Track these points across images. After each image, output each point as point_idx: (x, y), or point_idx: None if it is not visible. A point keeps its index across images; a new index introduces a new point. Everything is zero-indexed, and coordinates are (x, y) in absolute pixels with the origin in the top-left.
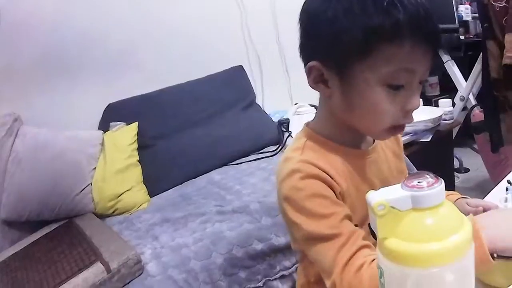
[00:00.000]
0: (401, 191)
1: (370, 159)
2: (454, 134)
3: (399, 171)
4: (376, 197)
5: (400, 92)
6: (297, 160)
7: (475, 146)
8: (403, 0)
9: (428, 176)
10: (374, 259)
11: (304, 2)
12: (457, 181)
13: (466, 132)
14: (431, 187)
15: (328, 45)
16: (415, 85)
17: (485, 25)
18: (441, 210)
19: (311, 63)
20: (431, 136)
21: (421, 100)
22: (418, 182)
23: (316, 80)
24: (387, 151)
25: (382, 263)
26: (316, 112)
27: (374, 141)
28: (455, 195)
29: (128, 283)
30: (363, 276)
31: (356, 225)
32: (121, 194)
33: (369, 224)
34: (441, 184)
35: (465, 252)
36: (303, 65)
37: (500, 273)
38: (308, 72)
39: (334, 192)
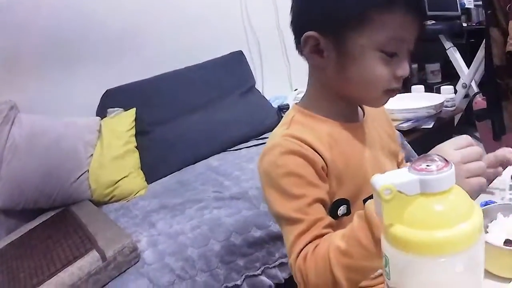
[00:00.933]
0: (409, 175)
1: (360, 133)
2: (456, 121)
3: (392, 152)
4: (382, 180)
5: (393, 59)
6: (281, 134)
7: (477, 134)
8: None
9: (437, 159)
10: (317, 246)
11: None
12: None
13: (468, 120)
14: (441, 170)
15: (325, 16)
16: (405, 52)
17: (488, 12)
18: (451, 196)
19: (308, 33)
20: (432, 123)
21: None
22: (427, 166)
23: (312, 50)
24: (379, 129)
25: (387, 251)
26: (305, 91)
27: (364, 116)
28: None
29: (124, 271)
30: (308, 264)
31: (344, 199)
32: (118, 181)
33: (363, 201)
34: (451, 168)
35: (475, 241)
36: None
37: (508, 263)
38: (304, 42)
39: (315, 168)
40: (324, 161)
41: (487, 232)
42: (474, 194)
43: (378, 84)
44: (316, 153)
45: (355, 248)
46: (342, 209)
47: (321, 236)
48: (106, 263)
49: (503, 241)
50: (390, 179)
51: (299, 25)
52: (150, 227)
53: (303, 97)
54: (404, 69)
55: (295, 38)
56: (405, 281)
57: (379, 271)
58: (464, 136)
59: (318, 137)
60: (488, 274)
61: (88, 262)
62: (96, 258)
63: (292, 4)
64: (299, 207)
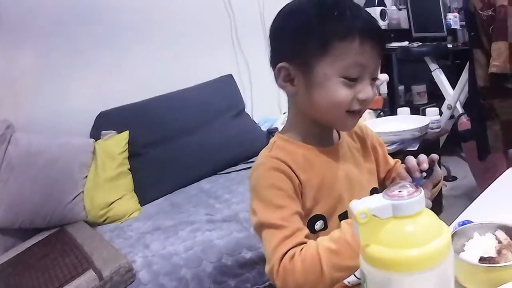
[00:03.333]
0: (383, 200)
1: (334, 155)
2: (442, 142)
3: (370, 171)
4: (358, 206)
5: (355, 84)
6: (265, 155)
7: (463, 154)
8: (352, 11)
9: (408, 186)
10: (303, 248)
11: (272, 21)
12: (444, 189)
13: (454, 140)
14: (411, 196)
15: (294, 48)
16: (367, 78)
17: (472, 33)
18: (421, 218)
19: (280, 64)
20: (418, 145)
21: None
22: (399, 192)
23: (285, 79)
24: (354, 151)
25: (365, 269)
26: (286, 118)
27: (339, 139)
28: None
29: None
30: (295, 262)
31: (320, 215)
32: (112, 203)
33: (338, 216)
34: (421, 193)
35: (444, 257)
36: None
37: (483, 279)
38: (278, 73)
39: (294, 185)
40: (299, 181)
41: (464, 251)
42: None
43: (340, 105)
44: (293, 173)
45: (344, 248)
46: (319, 224)
47: (303, 243)
48: (102, 282)
49: (478, 259)
50: (365, 204)
51: (273, 59)
52: (145, 248)
53: (284, 125)
54: (366, 93)
55: (273, 71)
56: None
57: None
58: None
59: (294, 160)
60: None
61: (85, 281)
62: (93, 277)
63: (269, 45)
64: (282, 216)
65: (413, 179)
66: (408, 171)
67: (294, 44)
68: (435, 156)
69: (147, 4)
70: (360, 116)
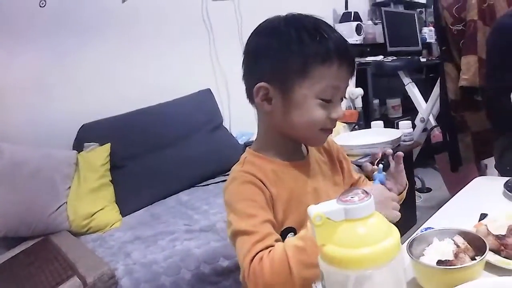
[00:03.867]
0: (336, 205)
1: (303, 169)
2: (415, 154)
3: (336, 183)
4: (314, 209)
5: (328, 104)
6: (238, 170)
7: (436, 166)
8: (330, 35)
9: (360, 192)
10: (271, 249)
11: (248, 38)
12: (419, 201)
13: (428, 153)
14: (362, 201)
15: (273, 69)
16: (339, 98)
17: (443, 48)
18: (371, 220)
19: (260, 84)
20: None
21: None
22: (351, 197)
23: (261, 98)
24: (321, 164)
25: (322, 267)
26: (256, 135)
27: (308, 154)
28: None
29: None
30: (264, 263)
31: (291, 228)
32: (94, 213)
33: None
34: (370, 198)
35: (393, 256)
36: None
37: (440, 280)
38: (256, 92)
39: (265, 196)
40: (270, 194)
41: (424, 255)
42: (394, 220)
43: (315, 124)
44: (264, 186)
45: (309, 245)
46: (290, 236)
47: (273, 246)
48: None
49: (436, 262)
50: (320, 208)
51: (251, 78)
52: (126, 256)
53: (254, 141)
54: (337, 112)
55: (246, 89)
56: None
57: None
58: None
59: (265, 175)
60: None
61: (70, 287)
62: (78, 284)
63: (243, 60)
64: (253, 223)
65: (374, 177)
66: (367, 173)
67: (274, 66)
68: (388, 150)
69: (128, 19)
70: (331, 133)
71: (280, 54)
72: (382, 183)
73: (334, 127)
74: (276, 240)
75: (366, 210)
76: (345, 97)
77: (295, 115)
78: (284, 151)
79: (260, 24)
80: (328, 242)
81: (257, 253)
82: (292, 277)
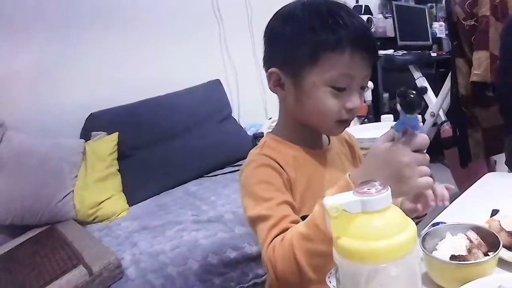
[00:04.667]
0: (352, 196)
1: (323, 159)
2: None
3: None
4: (330, 201)
5: (342, 93)
6: (255, 153)
7: (446, 161)
8: (345, 20)
9: (377, 184)
10: (284, 236)
11: (269, 21)
12: None
13: (437, 148)
14: (379, 193)
15: (285, 55)
16: (355, 88)
17: (454, 43)
18: (387, 213)
19: (271, 69)
20: None
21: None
22: (368, 189)
23: (275, 84)
24: (342, 157)
25: (337, 260)
26: (277, 120)
27: (329, 144)
28: None
29: (109, 286)
30: (276, 253)
31: (306, 216)
32: (101, 202)
33: None
34: (388, 190)
35: (409, 249)
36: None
37: (453, 275)
38: (269, 77)
39: (283, 179)
40: (289, 177)
41: (436, 250)
42: (425, 189)
43: (328, 115)
44: (283, 169)
45: (314, 232)
46: None
47: (288, 228)
48: (92, 277)
49: (449, 257)
50: (337, 200)
51: (266, 63)
52: (132, 246)
53: (275, 126)
54: (353, 102)
55: (265, 72)
56: (352, 285)
57: None
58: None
59: (284, 159)
60: (436, 285)
61: (76, 276)
62: (83, 273)
63: (264, 45)
64: (269, 206)
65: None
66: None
67: (286, 52)
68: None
69: (139, 9)
70: (349, 124)
71: (291, 40)
72: (408, 130)
73: (352, 118)
74: (293, 222)
75: (383, 202)
76: (367, 87)
77: (307, 104)
78: (303, 138)
79: (280, 8)
80: (344, 234)
81: (273, 239)
82: (300, 267)
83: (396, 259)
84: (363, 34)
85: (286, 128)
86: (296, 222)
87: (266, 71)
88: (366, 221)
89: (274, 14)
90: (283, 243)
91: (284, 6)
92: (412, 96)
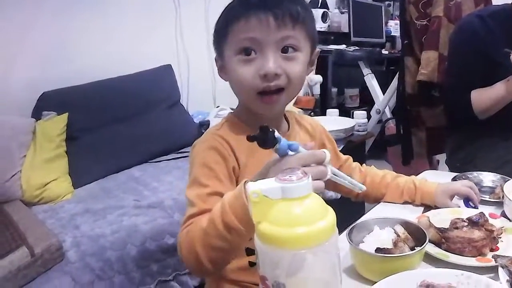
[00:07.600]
0: (274, 183)
1: None
2: (368, 146)
3: None
4: (252, 186)
5: (253, 59)
6: (212, 132)
7: (389, 158)
8: None
9: (299, 172)
10: (190, 229)
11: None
12: None
13: (381, 145)
14: (299, 180)
15: (215, 40)
16: (268, 52)
17: (405, 42)
18: (307, 201)
19: (215, 57)
20: (342, 146)
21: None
22: (289, 176)
23: (219, 70)
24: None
25: (257, 245)
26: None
27: (288, 131)
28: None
29: (50, 268)
30: (184, 238)
31: None
32: (47, 184)
33: None
34: (308, 178)
35: (328, 237)
36: None
37: (378, 268)
38: (215, 63)
39: (227, 166)
40: (238, 163)
41: (363, 242)
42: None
43: (245, 85)
44: (233, 155)
45: (211, 228)
46: None
47: None
48: (34, 259)
49: (375, 249)
50: (258, 185)
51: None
52: (74, 229)
53: (237, 106)
54: (265, 67)
55: None
56: (271, 271)
57: None
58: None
59: (238, 143)
60: (361, 277)
61: (18, 257)
62: (26, 254)
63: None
64: (200, 193)
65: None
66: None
67: (215, 36)
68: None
69: None
70: (277, 100)
71: (217, 24)
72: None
73: (270, 89)
74: None
75: (303, 190)
76: (290, 46)
77: (231, 81)
78: (259, 122)
79: None
80: (264, 220)
81: (186, 227)
82: (199, 259)
83: (315, 246)
84: None
85: (243, 111)
86: None
87: None
88: (286, 208)
89: None
90: (189, 234)
91: None
92: (268, 133)
